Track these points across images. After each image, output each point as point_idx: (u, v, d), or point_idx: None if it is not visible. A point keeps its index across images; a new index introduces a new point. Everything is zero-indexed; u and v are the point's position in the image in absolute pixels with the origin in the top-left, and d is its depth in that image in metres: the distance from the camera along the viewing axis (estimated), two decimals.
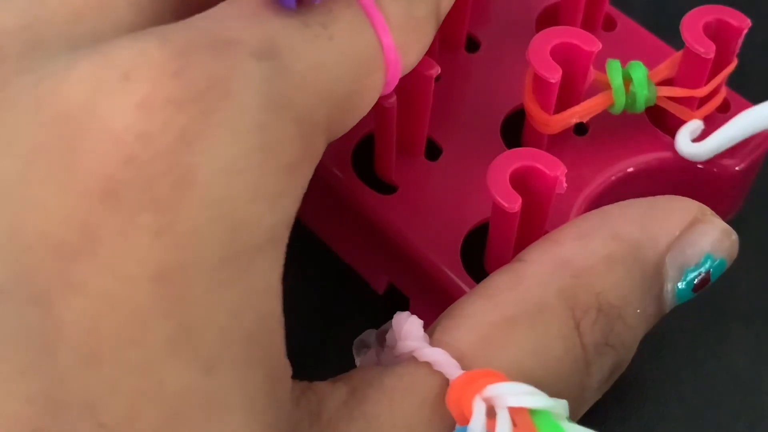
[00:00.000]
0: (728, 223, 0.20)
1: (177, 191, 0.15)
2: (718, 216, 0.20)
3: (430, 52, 0.25)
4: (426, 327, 0.19)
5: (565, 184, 0.20)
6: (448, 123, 0.25)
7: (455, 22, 0.25)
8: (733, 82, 0.24)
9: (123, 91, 0.15)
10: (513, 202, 0.20)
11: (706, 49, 0.22)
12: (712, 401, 0.23)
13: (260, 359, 0.16)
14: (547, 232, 0.23)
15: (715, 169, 0.24)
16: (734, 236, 0.20)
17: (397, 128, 0.23)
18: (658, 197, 0.20)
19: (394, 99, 0.21)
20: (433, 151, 0.24)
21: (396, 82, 0.19)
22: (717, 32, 0.23)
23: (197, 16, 0.17)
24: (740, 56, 0.23)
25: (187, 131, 0.15)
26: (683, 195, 0.25)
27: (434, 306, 0.23)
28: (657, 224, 0.20)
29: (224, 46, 0.16)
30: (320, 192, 0.25)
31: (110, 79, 0.15)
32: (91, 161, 0.15)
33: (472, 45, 0.26)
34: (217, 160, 0.15)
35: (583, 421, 0.18)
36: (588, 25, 0.26)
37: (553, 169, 0.20)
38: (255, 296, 0.16)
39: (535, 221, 0.21)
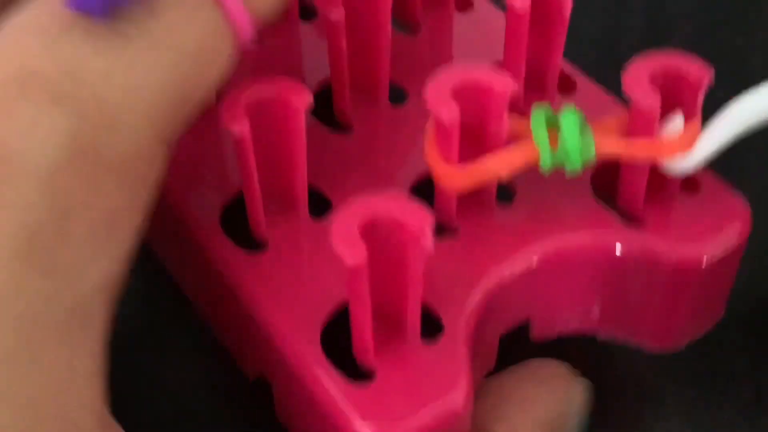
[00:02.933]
0: None
1: None
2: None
3: (343, 101, 0.21)
4: None
5: (431, 242, 0.16)
6: (350, 179, 0.21)
7: (372, 69, 0.21)
8: (733, 82, 0.21)
9: None
10: (357, 256, 0.15)
11: (651, 103, 0.18)
12: (713, 401, 0.23)
13: None
14: (423, 299, 0.18)
15: (673, 259, 0.19)
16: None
17: (270, 179, 0.19)
18: (538, 366, 0.20)
19: (251, 160, 0.18)
20: (323, 209, 0.20)
21: (249, 36, 0.17)
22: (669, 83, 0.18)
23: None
24: (740, 56, 0.22)
25: None
26: (628, 292, 0.20)
27: (298, 399, 0.19)
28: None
29: (25, 87, 0.15)
30: (188, 252, 0.21)
31: None
32: None
33: (400, 96, 0.22)
34: (1, 238, 0.14)
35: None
36: (539, 87, 0.22)
37: (417, 219, 0.16)
38: (53, 387, 0.14)
39: (401, 288, 0.17)
